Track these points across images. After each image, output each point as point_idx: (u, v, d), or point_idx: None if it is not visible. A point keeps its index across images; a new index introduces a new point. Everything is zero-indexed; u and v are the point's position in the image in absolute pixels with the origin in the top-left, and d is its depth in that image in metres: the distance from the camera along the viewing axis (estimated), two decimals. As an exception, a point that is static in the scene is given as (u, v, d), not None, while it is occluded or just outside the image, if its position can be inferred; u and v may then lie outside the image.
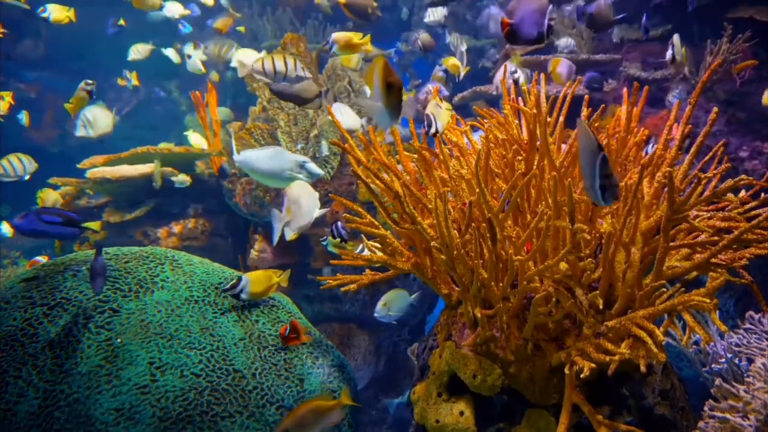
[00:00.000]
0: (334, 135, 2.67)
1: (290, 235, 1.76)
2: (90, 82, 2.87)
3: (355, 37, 2.07)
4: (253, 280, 1.62)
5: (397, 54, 4.64)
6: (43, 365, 1.38)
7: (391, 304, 2.04)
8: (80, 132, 2.01)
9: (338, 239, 1.62)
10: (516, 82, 2.36)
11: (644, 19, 2.54)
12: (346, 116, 2.16)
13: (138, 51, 3.58)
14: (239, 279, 1.61)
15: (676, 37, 2.24)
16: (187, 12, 3.44)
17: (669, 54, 2.24)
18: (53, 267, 1.60)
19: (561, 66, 2.25)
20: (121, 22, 3.80)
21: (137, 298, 1.55)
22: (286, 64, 1.93)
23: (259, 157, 1.79)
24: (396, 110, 1.02)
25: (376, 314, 2.01)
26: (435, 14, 3.60)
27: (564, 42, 2.84)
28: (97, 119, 2.03)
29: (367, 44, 2.07)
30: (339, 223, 1.37)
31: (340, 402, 1.36)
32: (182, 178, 2.81)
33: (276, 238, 1.75)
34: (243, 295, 1.60)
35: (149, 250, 1.73)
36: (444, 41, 3.62)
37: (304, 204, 1.75)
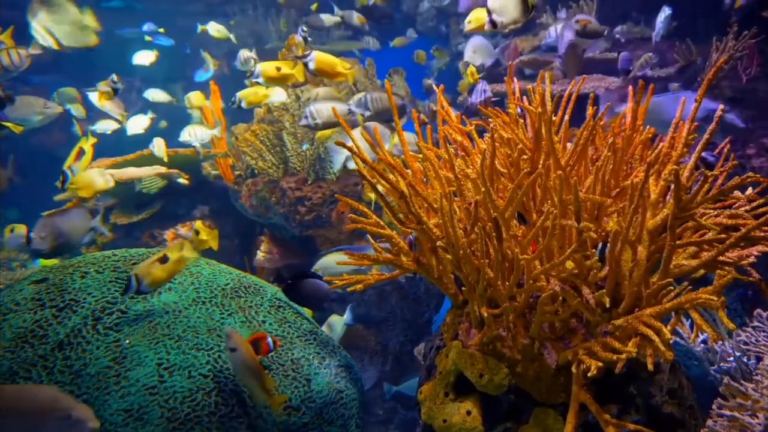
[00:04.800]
0: (336, 136, 2.68)
1: (353, 165, 1.96)
2: (116, 79, 2.91)
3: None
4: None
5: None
6: (52, 366, 1.40)
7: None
8: (303, 122, 2.15)
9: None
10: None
11: (623, 61, 2.39)
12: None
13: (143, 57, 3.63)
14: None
15: None
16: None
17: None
18: (62, 269, 1.61)
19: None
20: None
21: (145, 299, 1.56)
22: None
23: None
24: None
25: None
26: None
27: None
28: (321, 111, 2.11)
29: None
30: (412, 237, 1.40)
31: None
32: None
33: (337, 167, 2.02)
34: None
35: (156, 251, 1.74)
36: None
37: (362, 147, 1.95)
